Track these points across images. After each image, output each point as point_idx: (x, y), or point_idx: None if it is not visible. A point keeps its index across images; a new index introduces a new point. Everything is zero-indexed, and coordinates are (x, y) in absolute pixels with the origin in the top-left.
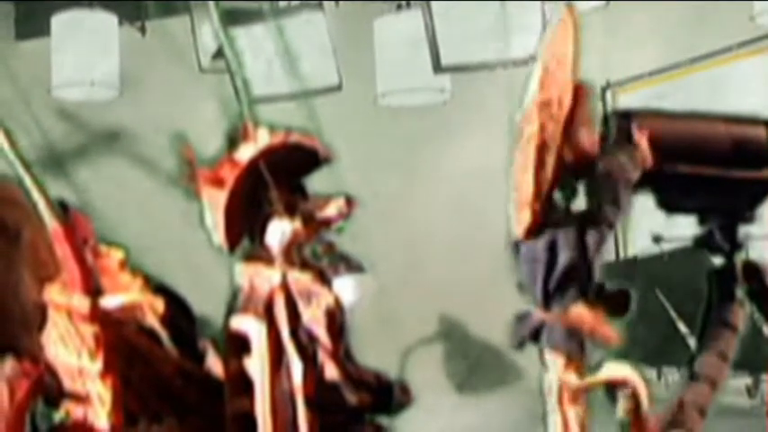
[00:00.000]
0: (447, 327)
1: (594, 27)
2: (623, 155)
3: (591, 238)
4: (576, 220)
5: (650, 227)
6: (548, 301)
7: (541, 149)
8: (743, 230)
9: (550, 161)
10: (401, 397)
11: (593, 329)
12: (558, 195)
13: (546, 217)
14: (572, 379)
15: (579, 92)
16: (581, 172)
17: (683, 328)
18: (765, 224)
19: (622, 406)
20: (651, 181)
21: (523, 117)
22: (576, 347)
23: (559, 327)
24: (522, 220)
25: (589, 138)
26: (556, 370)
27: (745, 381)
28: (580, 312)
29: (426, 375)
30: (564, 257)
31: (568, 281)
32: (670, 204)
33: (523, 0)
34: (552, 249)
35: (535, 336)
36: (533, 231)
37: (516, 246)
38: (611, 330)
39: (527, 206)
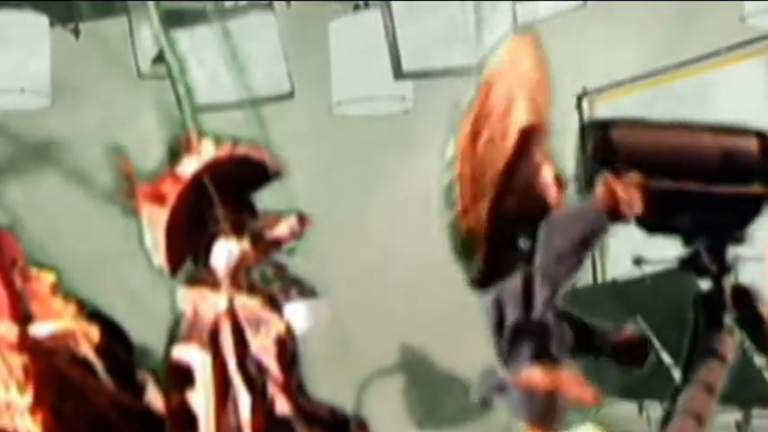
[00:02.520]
0: (408, 356)
1: (571, 29)
2: (586, 206)
3: (539, 296)
4: (524, 276)
5: (630, 247)
6: (505, 359)
7: (461, 206)
8: (732, 251)
9: (484, 206)
10: None
11: (557, 392)
12: (522, 242)
13: (492, 271)
14: None
15: (540, 130)
16: (534, 220)
17: (666, 358)
18: (756, 244)
19: None
20: None
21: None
22: (537, 411)
23: (516, 389)
24: (470, 268)
25: (549, 180)
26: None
27: (734, 416)
28: (533, 375)
29: (385, 409)
30: (511, 316)
31: (518, 341)
32: (651, 224)
33: (493, 0)
34: (500, 307)
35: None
36: (482, 284)
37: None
38: (586, 390)
39: (475, 256)
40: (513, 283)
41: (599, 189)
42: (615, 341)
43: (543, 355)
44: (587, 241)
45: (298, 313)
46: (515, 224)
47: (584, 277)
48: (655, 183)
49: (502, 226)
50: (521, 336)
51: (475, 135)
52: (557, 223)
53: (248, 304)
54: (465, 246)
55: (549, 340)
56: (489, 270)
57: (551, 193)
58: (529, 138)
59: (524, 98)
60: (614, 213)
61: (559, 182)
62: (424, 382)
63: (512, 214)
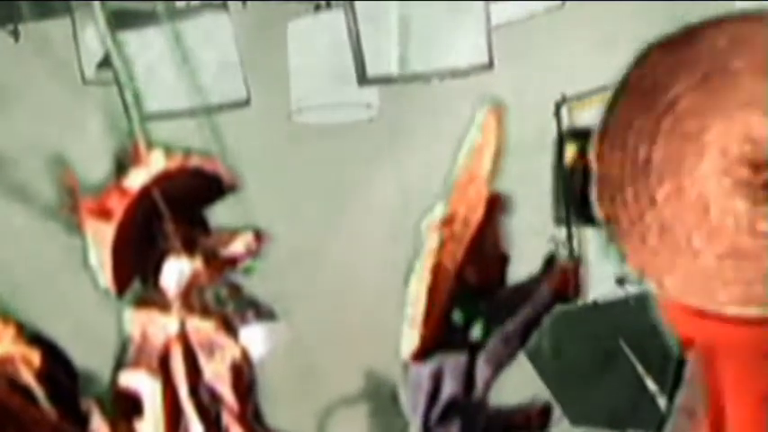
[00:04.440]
0: (374, 384)
1: (549, 31)
2: (533, 285)
3: (480, 373)
4: (469, 350)
5: (613, 266)
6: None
7: (437, 270)
8: None
9: (446, 284)
10: None
11: None
12: (457, 315)
13: (436, 341)
14: None
15: (494, 204)
16: (485, 294)
17: (651, 385)
18: None
19: None
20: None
21: (430, 224)
22: None
23: None
24: (410, 338)
25: (498, 256)
26: None
27: None
28: None
29: None
30: (448, 389)
31: (450, 418)
32: None
33: (464, 0)
34: (437, 379)
35: None
36: (420, 355)
37: (405, 367)
38: None
39: (417, 325)
40: (455, 358)
41: (550, 272)
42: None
43: None
44: (533, 324)
45: (255, 337)
46: (470, 297)
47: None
48: None
49: (457, 297)
50: (454, 413)
51: (464, 198)
52: (504, 302)
53: (201, 327)
54: (423, 313)
55: (480, 423)
56: (433, 342)
57: (502, 270)
58: (495, 207)
59: (483, 184)
60: (563, 294)
61: (504, 257)
62: (392, 410)
63: (471, 286)
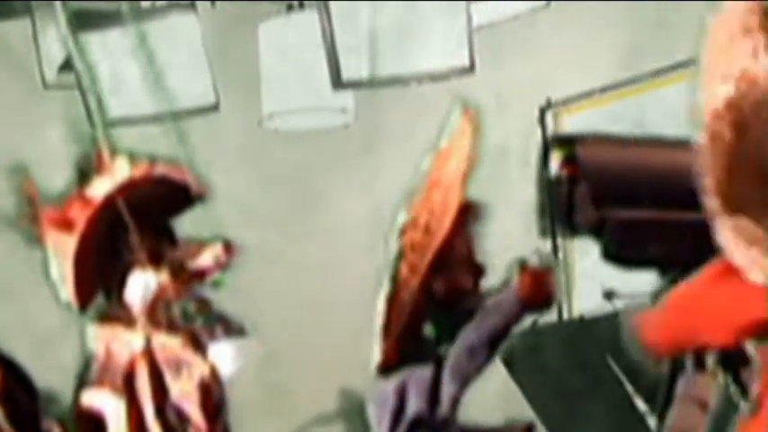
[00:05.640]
0: (348, 403)
1: (533, 32)
2: (503, 294)
3: (446, 389)
4: (434, 366)
5: (600, 279)
6: None
7: (397, 281)
8: None
9: (408, 295)
10: None
11: None
12: (428, 329)
13: (400, 355)
14: None
15: (466, 212)
16: (453, 307)
17: (640, 404)
18: None
19: None
20: (596, 226)
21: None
22: None
23: None
24: (375, 353)
25: (468, 267)
26: None
27: None
28: None
29: None
30: (413, 406)
31: None
32: (621, 255)
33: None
34: (402, 395)
35: None
36: (384, 370)
37: (374, 382)
38: None
39: (380, 339)
40: (420, 373)
41: (518, 278)
42: None
43: None
44: (500, 335)
45: (224, 354)
46: (441, 310)
47: (548, 314)
48: (624, 210)
49: (424, 309)
50: (419, 429)
51: (427, 204)
52: (475, 312)
53: (168, 344)
54: (384, 325)
55: None
56: (396, 355)
57: (470, 282)
58: (466, 216)
59: (463, 176)
60: (532, 304)
61: (478, 269)
62: (368, 430)
63: (438, 297)
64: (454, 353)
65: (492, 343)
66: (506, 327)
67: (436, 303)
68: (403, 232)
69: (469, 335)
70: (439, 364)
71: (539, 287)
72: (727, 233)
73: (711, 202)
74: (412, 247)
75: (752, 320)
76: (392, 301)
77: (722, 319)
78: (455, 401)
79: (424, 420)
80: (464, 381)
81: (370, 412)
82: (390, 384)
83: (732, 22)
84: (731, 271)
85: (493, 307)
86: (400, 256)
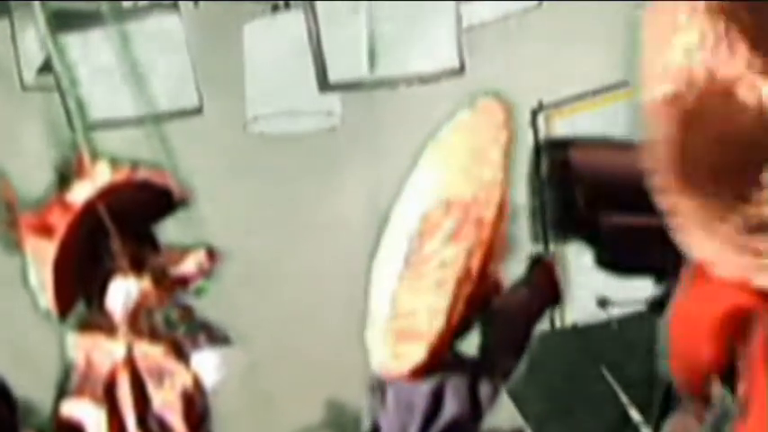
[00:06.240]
0: (334, 413)
1: (525, 33)
2: (521, 291)
3: (484, 389)
4: (469, 367)
5: (594, 286)
6: None
7: (463, 279)
8: None
9: (466, 292)
10: None
11: None
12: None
13: (443, 356)
14: None
15: (502, 210)
16: (480, 307)
17: (635, 415)
18: None
19: None
20: (589, 232)
21: (421, 227)
22: None
23: None
24: (407, 354)
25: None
26: None
27: None
28: None
29: None
30: (451, 409)
31: None
32: (615, 262)
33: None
34: (437, 397)
35: None
36: (424, 372)
37: (380, 385)
38: None
39: (421, 339)
40: (458, 376)
41: (538, 273)
42: None
43: None
44: (529, 332)
45: (207, 363)
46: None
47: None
48: (619, 216)
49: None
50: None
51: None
52: (498, 314)
53: (150, 353)
54: (446, 322)
55: None
56: (440, 356)
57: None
58: (503, 212)
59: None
60: (554, 299)
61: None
62: None
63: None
64: (490, 355)
65: (522, 340)
66: (532, 323)
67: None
68: (461, 225)
69: (500, 336)
70: (469, 366)
71: (553, 282)
72: (688, 230)
73: (667, 199)
74: (474, 240)
75: (729, 316)
76: (454, 302)
77: (706, 325)
78: (493, 402)
79: (462, 424)
80: (500, 380)
81: (387, 416)
82: (422, 387)
83: (663, 19)
84: (700, 273)
85: (517, 305)
86: (467, 252)
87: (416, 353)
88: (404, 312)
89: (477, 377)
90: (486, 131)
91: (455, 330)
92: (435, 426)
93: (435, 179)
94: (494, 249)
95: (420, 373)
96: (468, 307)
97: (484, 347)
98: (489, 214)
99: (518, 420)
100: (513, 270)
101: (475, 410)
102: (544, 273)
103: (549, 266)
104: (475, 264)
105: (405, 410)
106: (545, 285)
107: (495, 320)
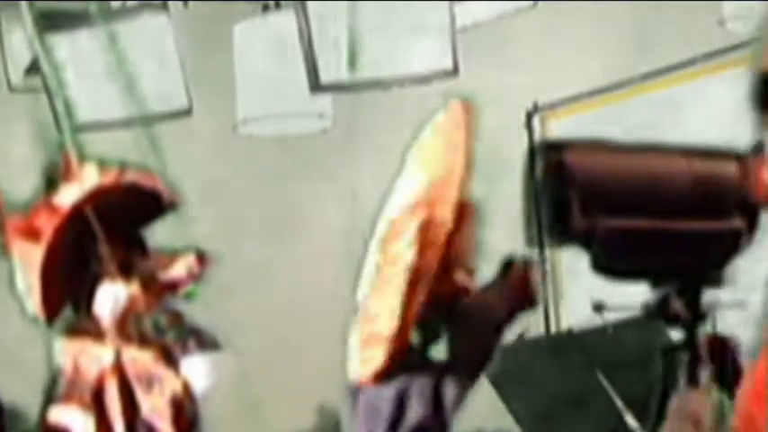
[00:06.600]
0: (326, 419)
1: (519, 34)
2: (491, 293)
3: (449, 392)
4: (434, 369)
5: (589, 291)
6: None
7: (415, 280)
8: (708, 296)
9: (421, 294)
10: None
11: None
12: (414, 335)
13: (402, 360)
14: None
15: (464, 211)
16: (446, 309)
17: (631, 420)
18: (737, 288)
19: None
20: (585, 235)
21: (388, 230)
22: None
23: None
24: (371, 358)
25: (467, 270)
26: None
27: None
28: None
29: None
30: (415, 413)
31: None
32: (611, 265)
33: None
34: (401, 401)
35: None
36: (384, 375)
37: (355, 391)
38: None
39: (381, 342)
40: (422, 378)
41: (510, 275)
42: None
43: None
44: (498, 334)
45: (197, 369)
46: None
47: (535, 327)
48: (614, 220)
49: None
50: None
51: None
52: (464, 316)
53: (138, 358)
54: (399, 327)
55: None
56: (398, 360)
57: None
58: (463, 217)
59: (455, 183)
60: (526, 303)
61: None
62: None
63: (444, 298)
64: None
65: (491, 345)
66: (501, 328)
67: (436, 306)
68: (421, 229)
69: (468, 338)
70: (433, 369)
71: (526, 285)
72: None
73: None
74: (431, 245)
75: None
76: (408, 302)
77: None
78: (457, 406)
79: (427, 428)
80: (468, 384)
81: (350, 425)
82: (386, 392)
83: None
84: None
85: (486, 308)
86: (420, 254)
87: (377, 356)
88: (370, 317)
89: (442, 380)
90: (451, 132)
91: (407, 334)
92: (402, 425)
93: (413, 182)
94: (455, 252)
95: (381, 376)
96: (433, 310)
97: (450, 350)
98: (444, 213)
99: (504, 422)
100: (489, 276)
101: (440, 414)
102: (517, 275)
103: (522, 269)
104: (428, 264)
105: (371, 416)
106: (517, 288)
107: (461, 322)
